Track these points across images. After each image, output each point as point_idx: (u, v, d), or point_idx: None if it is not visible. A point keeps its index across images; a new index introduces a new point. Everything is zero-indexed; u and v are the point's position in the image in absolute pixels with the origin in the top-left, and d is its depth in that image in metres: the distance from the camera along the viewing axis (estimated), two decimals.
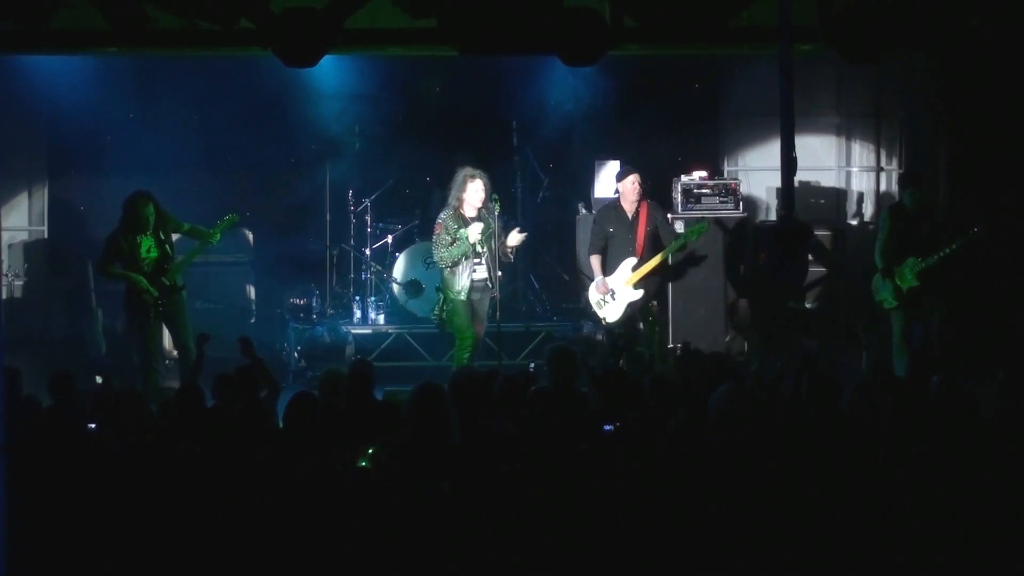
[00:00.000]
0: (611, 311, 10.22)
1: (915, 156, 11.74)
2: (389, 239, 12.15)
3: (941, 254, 9.50)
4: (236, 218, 10.33)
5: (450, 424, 6.11)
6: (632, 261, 10.16)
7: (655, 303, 10.72)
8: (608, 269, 10.24)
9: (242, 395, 7.08)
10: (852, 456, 5.67)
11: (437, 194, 12.68)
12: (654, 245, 10.28)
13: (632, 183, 10.27)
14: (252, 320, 12.15)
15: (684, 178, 11.71)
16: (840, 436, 5.84)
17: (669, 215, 10.91)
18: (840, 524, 5.36)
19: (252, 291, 12.28)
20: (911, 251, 9.64)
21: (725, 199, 11.60)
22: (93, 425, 6.55)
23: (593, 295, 10.29)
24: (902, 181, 10.47)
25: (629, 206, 10.29)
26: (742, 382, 6.50)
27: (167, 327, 10.19)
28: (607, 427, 6.46)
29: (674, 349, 10.68)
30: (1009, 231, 10.33)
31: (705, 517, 5.35)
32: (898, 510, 5.41)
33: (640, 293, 10.20)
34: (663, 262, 10.30)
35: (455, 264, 9.78)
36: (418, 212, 12.44)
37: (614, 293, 10.18)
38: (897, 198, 10.55)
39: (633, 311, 10.26)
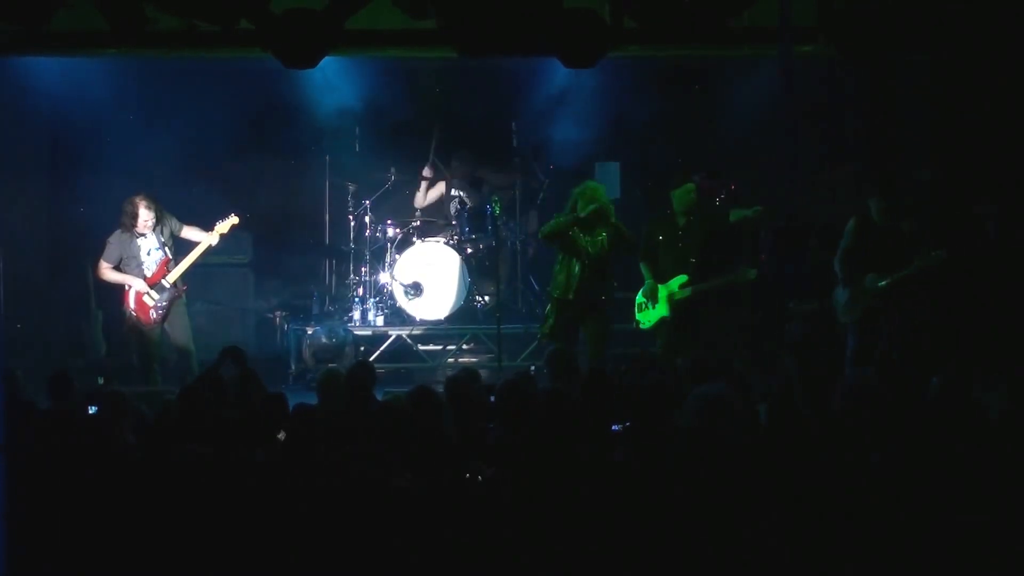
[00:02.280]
0: (646, 319, 9.86)
1: (912, 157, 11.73)
2: (389, 240, 12.14)
3: (901, 274, 9.05)
4: (236, 220, 10.34)
5: (444, 427, 6.12)
6: (682, 279, 9.70)
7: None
8: (660, 278, 9.79)
9: (241, 398, 7.09)
10: (844, 458, 5.66)
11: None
12: (708, 262, 9.79)
13: (685, 193, 9.80)
14: (251, 321, 12.16)
15: None
16: (831, 438, 5.83)
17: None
18: (837, 525, 5.36)
19: (251, 292, 12.29)
20: (874, 265, 9.18)
21: (725, 200, 11.57)
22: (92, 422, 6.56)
23: (639, 297, 9.88)
24: (868, 189, 9.71)
25: (681, 216, 9.82)
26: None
27: (167, 329, 10.19)
28: (615, 427, 6.43)
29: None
30: (1008, 232, 10.29)
31: (700, 518, 5.35)
32: (896, 512, 5.41)
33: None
34: (710, 290, 9.74)
35: (553, 237, 9.71)
36: (418, 213, 12.44)
37: (655, 303, 9.78)
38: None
39: (663, 328, 9.80)
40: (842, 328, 9.46)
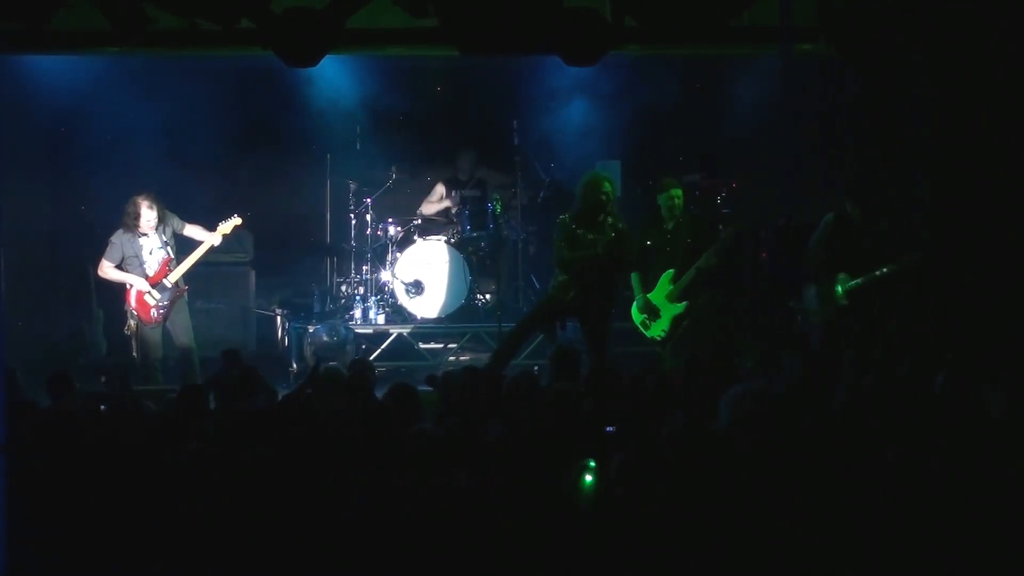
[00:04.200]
0: (658, 329, 9.74)
1: (910, 157, 11.72)
2: (390, 238, 12.14)
3: (870, 276, 8.91)
4: (239, 220, 10.34)
5: (421, 424, 6.12)
6: (670, 274, 9.66)
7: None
8: (648, 285, 9.74)
9: (242, 397, 7.09)
10: (850, 458, 5.65)
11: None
12: (694, 258, 9.69)
13: (668, 198, 9.78)
14: (252, 320, 12.17)
15: (684, 178, 11.69)
16: (836, 438, 5.82)
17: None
18: (841, 528, 5.36)
19: (253, 291, 12.29)
20: (845, 265, 9.06)
21: (725, 199, 11.58)
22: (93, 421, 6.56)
23: (636, 316, 9.78)
24: (846, 191, 9.50)
25: (669, 221, 9.79)
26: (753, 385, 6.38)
27: (169, 328, 10.19)
28: (608, 429, 6.42)
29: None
30: (1005, 232, 10.25)
31: (702, 521, 5.35)
32: (901, 511, 5.41)
33: (683, 305, 9.65)
34: (705, 270, 9.65)
35: (570, 266, 9.44)
36: (419, 212, 12.45)
37: (658, 311, 9.70)
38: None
39: (681, 325, 9.71)
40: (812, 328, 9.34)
